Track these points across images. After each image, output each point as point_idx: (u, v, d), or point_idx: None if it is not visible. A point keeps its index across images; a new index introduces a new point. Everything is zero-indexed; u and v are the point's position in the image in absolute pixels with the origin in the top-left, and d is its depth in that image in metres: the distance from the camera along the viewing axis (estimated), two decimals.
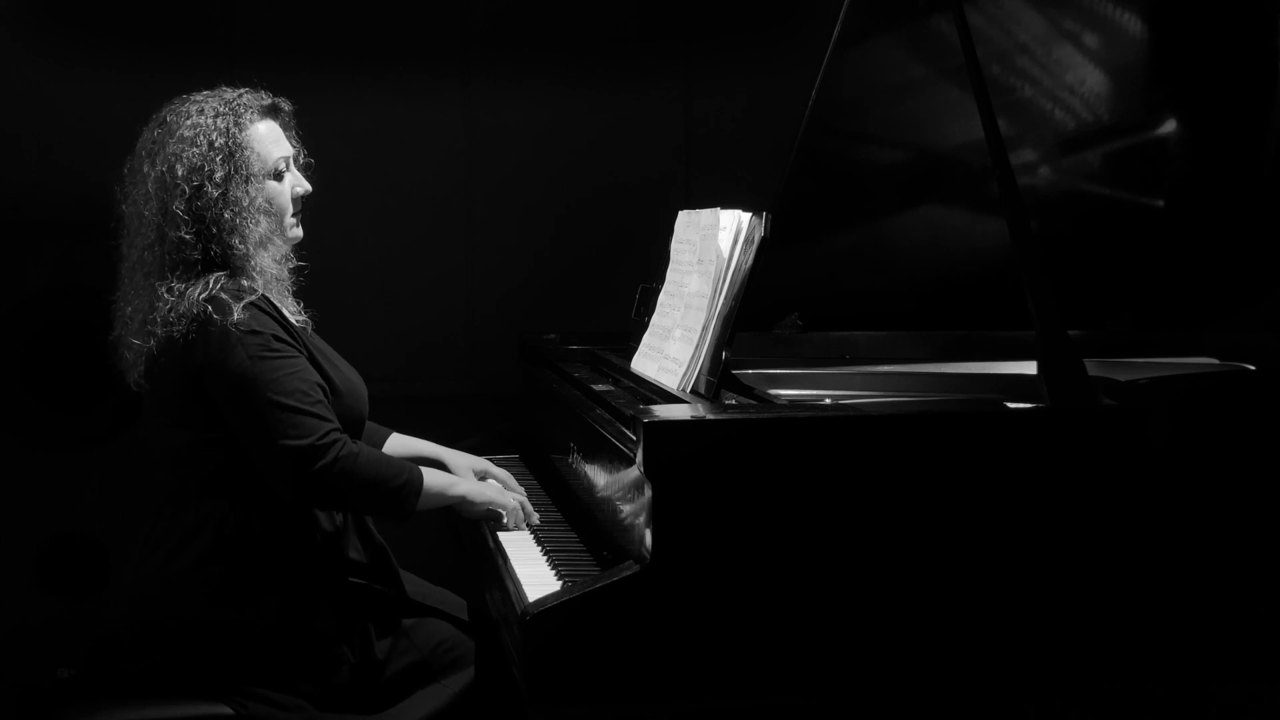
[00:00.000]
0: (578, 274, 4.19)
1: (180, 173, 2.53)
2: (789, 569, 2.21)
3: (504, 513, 2.74)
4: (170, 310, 2.49)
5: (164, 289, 2.51)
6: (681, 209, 2.86)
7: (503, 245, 4.21)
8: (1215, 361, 3.09)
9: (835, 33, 2.84)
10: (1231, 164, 3.18)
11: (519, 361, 3.62)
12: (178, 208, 2.52)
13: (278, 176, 2.64)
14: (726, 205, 2.63)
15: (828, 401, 2.70)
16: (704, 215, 2.69)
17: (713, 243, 2.60)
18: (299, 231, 2.70)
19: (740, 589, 2.20)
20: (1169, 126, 3.21)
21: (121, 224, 2.64)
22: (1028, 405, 2.47)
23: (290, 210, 2.66)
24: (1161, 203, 3.22)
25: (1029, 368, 2.57)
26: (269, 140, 2.63)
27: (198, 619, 2.49)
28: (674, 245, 2.86)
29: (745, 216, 2.57)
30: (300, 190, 2.68)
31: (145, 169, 2.58)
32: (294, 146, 2.70)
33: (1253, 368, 2.96)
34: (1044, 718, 2.38)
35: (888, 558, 2.24)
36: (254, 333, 2.48)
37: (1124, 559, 2.33)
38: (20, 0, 3.94)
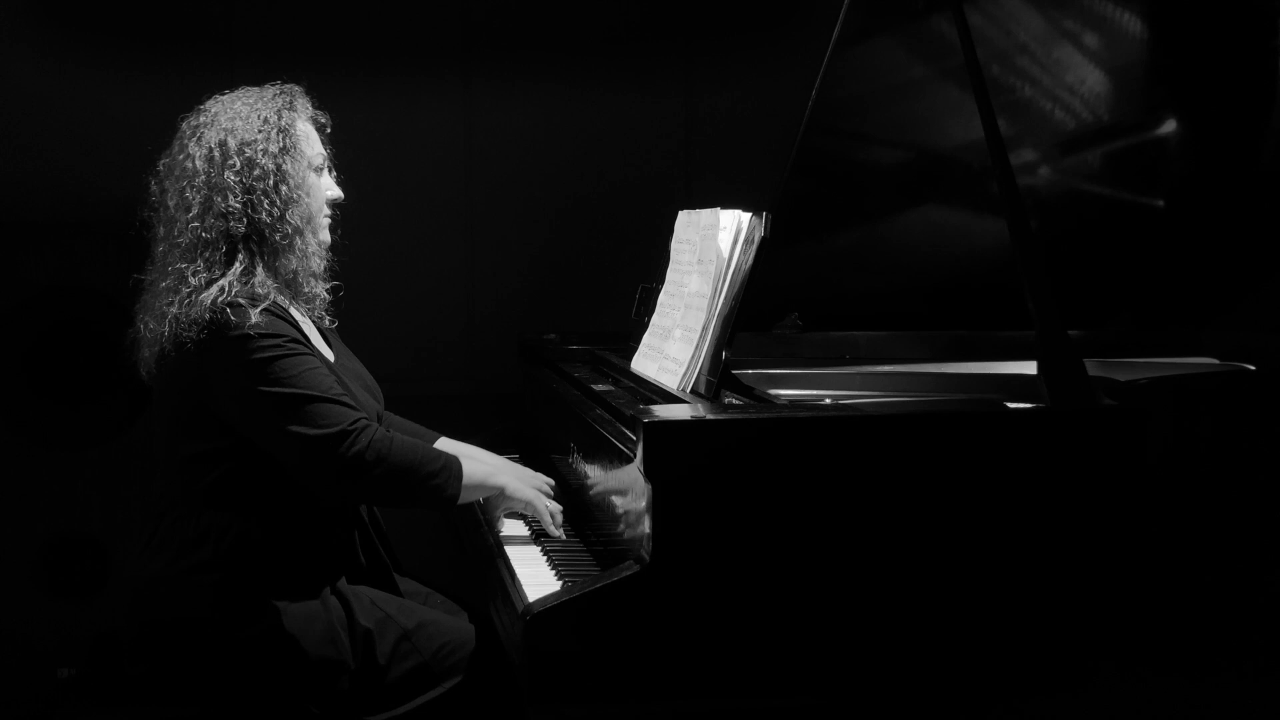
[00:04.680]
0: (578, 274, 4.19)
1: (233, 145, 2.52)
2: (789, 569, 2.21)
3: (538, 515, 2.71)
4: (187, 307, 2.45)
5: (190, 273, 2.48)
6: (681, 209, 2.86)
7: (503, 245, 4.21)
8: (1215, 361, 3.09)
9: (835, 33, 2.84)
10: (1231, 164, 3.18)
11: (519, 361, 3.62)
12: (229, 179, 2.51)
13: (315, 172, 2.65)
14: (726, 205, 2.63)
15: (828, 401, 2.70)
16: (704, 215, 2.69)
17: (713, 243, 2.60)
18: (328, 235, 2.69)
19: (740, 589, 2.20)
20: (1169, 126, 3.21)
21: (156, 213, 2.60)
22: (1028, 405, 2.47)
23: (324, 210, 2.67)
24: (1161, 203, 3.23)
25: (1029, 368, 2.57)
26: (312, 138, 2.65)
27: (198, 622, 2.49)
28: (674, 245, 2.86)
29: (745, 216, 2.56)
30: (333, 195, 2.69)
31: (191, 148, 2.56)
32: (327, 155, 2.71)
33: (1253, 368, 2.96)
34: (1044, 717, 2.38)
35: (888, 558, 2.24)
36: (272, 335, 2.46)
37: (1124, 559, 2.32)
38: (20, 0, 3.94)
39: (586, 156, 4.21)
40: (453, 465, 2.57)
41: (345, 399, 2.49)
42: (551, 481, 2.83)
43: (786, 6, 4.14)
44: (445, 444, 2.97)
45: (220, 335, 2.44)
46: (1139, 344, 3.14)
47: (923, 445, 2.28)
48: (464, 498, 2.59)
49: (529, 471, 2.81)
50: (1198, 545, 2.46)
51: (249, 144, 2.53)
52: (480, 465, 2.69)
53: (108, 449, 3.80)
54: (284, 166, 2.54)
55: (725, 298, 2.54)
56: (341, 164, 2.86)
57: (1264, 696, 2.58)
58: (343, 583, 2.57)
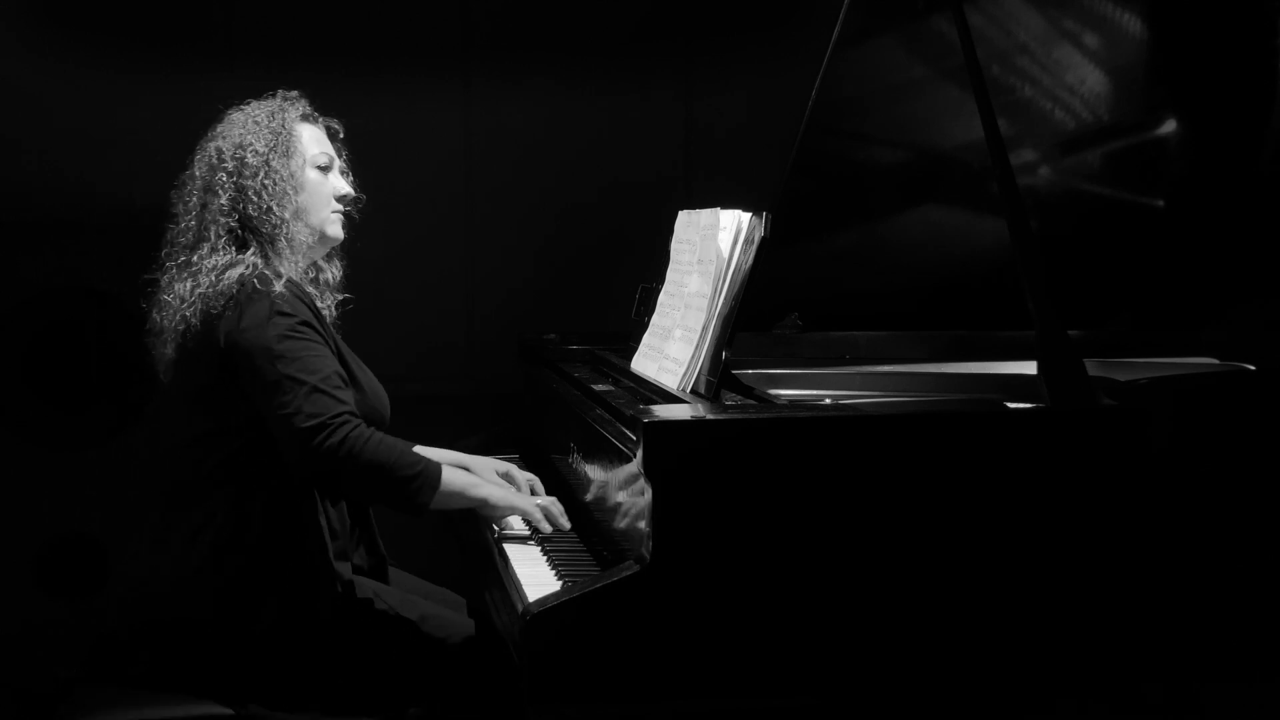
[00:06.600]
0: (578, 274, 4.19)
1: (228, 149, 2.66)
2: (789, 569, 2.21)
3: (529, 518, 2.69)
4: (209, 286, 2.56)
5: (197, 257, 2.60)
6: (681, 209, 2.87)
7: (503, 245, 4.21)
8: (1215, 361, 3.09)
9: (835, 33, 2.84)
10: (1231, 164, 3.18)
11: (519, 362, 3.62)
12: (219, 180, 2.64)
13: (320, 170, 2.73)
14: (726, 205, 2.63)
15: (828, 401, 2.70)
16: (704, 215, 2.69)
17: (713, 243, 2.60)
18: (339, 230, 2.78)
19: (740, 589, 2.20)
20: (1169, 126, 3.21)
21: (172, 223, 2.72)
22: (1028, 405, 2.47)
23: (330, 206, 2.75)
24: (1161, 203, 3.22)
25: (1029, 368, 2.57)
26: (311, 139, 2.75)
27: (199, 619, 2.49)
28: (674, 245, 2.86)
29: (745, 216, 2.56)
30: (340, 191, 2.77)
31: (197, 160, 2.71)
32: (340, 159, 2.81)
33: (1253, 368, 2.96)
34: (1044, 718, 2.38)
35: (888, 558, 2.24)
36: (286, 314, 2.55)
37: (1124, 559, 2.33)
38: (20, 0, 3.94)
39: (586, 156, 4.21)
40: (429, 473, 2.56)
41: (337, 391, 2.53)
42: (539, 485, 2.87)
43: (786, 6, 4.14)
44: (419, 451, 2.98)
45: (248, 298, 2.55)
46: (1139, 344, 3.14)
47: (923, 445, 2.28)
48: (438, 505, 2.59)
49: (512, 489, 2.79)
50: (1198, 546, 2.46)
51: (242, 145, 2.66)
52: (461, 475, 2.67)
53: (107, 449, 3.81)
54: (271, 162, 2.65)
55: (725, 298, 2.54)
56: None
57: (1266, 697, 2.58)
58: (346, 574, 2.58)
